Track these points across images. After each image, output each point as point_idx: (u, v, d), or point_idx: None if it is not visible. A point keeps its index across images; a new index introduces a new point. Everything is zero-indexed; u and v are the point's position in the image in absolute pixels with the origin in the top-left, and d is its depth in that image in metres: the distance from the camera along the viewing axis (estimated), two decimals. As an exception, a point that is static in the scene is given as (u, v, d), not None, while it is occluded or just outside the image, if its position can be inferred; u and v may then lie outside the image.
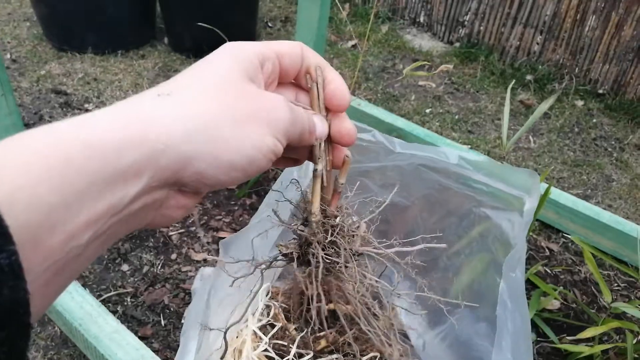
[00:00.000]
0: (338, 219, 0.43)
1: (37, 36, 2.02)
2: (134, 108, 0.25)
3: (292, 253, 0.43)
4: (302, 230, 0.41)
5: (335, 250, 0.42)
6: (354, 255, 0.44)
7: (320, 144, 0.35)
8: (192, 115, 0.25)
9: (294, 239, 0.43)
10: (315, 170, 0.38)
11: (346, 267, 0.44)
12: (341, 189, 0.40)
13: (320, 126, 0.34)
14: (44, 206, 0.20)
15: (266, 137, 0.28)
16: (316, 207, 0.40)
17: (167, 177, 0.25)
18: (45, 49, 1.96)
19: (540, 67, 2.07)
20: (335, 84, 0.35)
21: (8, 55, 1.89)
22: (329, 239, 0.42)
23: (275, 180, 1.23)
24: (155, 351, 0.93)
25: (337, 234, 0.42)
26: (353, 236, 0.46)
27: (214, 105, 0.26)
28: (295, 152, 0.36)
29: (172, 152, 0.24)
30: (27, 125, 1.53)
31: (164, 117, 0.25)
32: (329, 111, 0.36)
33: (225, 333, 0.42)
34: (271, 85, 0.33)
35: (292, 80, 0.35)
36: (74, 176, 0.21)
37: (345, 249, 0.42)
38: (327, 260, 0.41)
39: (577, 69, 2.02)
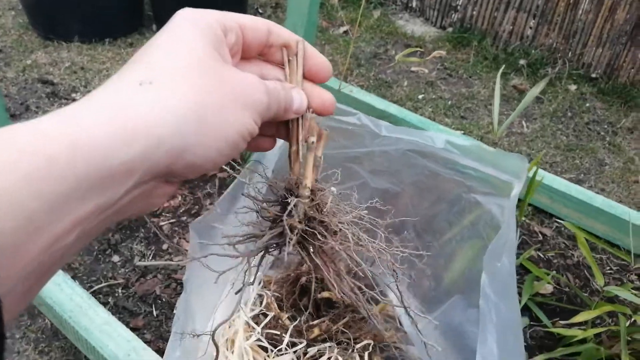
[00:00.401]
0: (325, 192, 0.42)
1: (23, 25, 1.99)
2: (118, 101, 0.24)
3: (281, 235, 0.41)
4: (293, 207, 0.39)
5: (325, 226, 0.41)
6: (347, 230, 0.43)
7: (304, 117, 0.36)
8: (180, 106, 0.25)
9: (276, 219, 0.41)
10: (312, 143, 0.37)
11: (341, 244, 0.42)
12: (319, 162, 0.39)
13: (299, 100, 0.34)
14: (25, 211, 0.19)
15: (246, 120, 0.28)
16: (310, 180, 0.39)
17: (159, 171, 0.24)
18: (31, 38, 1.92)
19: (533, 51, 2.05)
20: (318, 57, 0.35)
21: (-7, 45, 1.86)
22: (319, 215, 0.40)
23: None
24: (147, 342, 0.92)
25: (325, 209, 0.41)
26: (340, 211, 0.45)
27: (197, 92, 0.25)
28: (269, 129, 0.36)
29: (163, 146, 0.24)
30: (13, 117, 1.51)
31: (152, 110, 0.24)
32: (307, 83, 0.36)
33: (212, 335, 0.41)
34: (235, 57, 0.31)
35: (257, 56, 0.35)
36: (58, 179, 0.20)
37: (337, 225, 0.40)
38: (322, 239, 0.39)
39: (570, 53, 2.01)
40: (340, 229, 0.39)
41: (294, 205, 0.37)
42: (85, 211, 0.21)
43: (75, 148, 0.21)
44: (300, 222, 0.38)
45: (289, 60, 0.35)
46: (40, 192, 0.20)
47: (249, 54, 0.33)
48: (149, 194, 0.26)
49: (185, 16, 0.29)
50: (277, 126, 0.36)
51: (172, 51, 0.27)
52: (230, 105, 0.27)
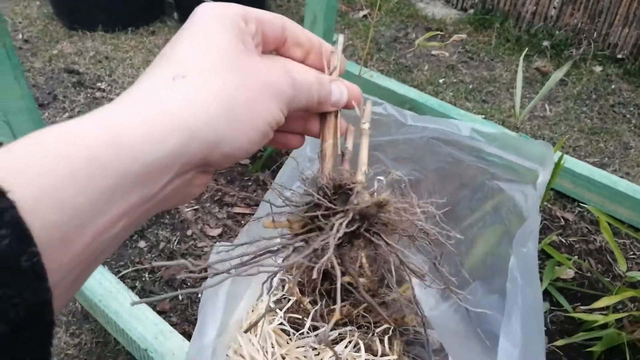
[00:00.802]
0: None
1: (48, 15, 2.02)
2: (152, 97, 0.25)
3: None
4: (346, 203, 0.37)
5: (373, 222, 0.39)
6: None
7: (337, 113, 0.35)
8: (212, 100, 0.25)
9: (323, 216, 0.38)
10: (364, 128, 0.37)
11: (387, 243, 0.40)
12: (350, 155, 0.39)
13: (338, 94, 0.34)
14: (71, 207, 0.20)
15: (273, 109, 0.29)
16: (366, 167, 0.38)
17: (196, 162, 0.25)
18: (56, 28, 1.96)
19: (557, 32, 2.01)
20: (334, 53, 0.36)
21: (20, 36, 1.90)
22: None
23: (288, 154, 1.24)
24: (174, 325, 0.95)
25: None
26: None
27: (227, 86, 0.26)
28: (298, 125, 0.36)
29: (197, 140, 0.25)
30: (42, 106, 1.55)
31: (185, 104, 0.25)
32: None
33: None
34: (257, 48, 0.32)
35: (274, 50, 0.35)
36: (100, 176, 0.21)
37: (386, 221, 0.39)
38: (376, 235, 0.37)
39: (595, 33, 1.96)
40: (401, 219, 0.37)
41: (357, 193, 0.34)
42: (128, 204, 0.23)
43: (115, 146, 0.22)
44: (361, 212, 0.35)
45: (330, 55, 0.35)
46: (85, 189, 0.21)
47: (266, 47, 0.33)
48: (188, 184, 0.27)
49: (206, 10, 0.29)
50: (306, 123, 0.36)
51: (200, 45, 0.28)
52: (258, 97, 0.28)
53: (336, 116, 0.36)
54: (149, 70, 0.27)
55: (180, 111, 0.24)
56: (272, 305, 0.79)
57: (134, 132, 0.23)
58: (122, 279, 1.05)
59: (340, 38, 0.34)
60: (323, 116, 0.36)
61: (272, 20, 0.33)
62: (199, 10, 0.30)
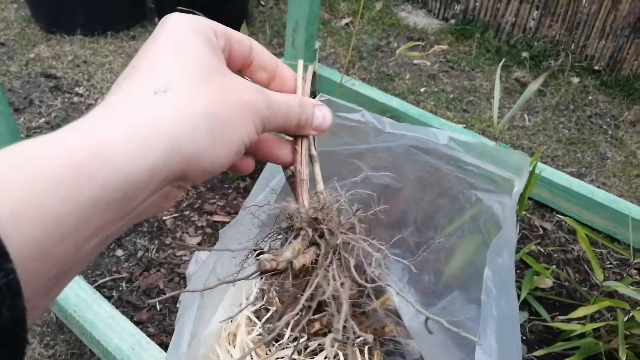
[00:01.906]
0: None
1: (25, 18, 1.99)
2: (136, 110, 0.25)
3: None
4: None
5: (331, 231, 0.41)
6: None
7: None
8: (193, 115, 0.26)
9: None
10: (313, 155, 0.37)
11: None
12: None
13: (321, 118, 0.35)
14: (52, 218, 0.20)
15: (249, 129, 0.29)
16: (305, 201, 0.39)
17: (174, 176, 0.25)
18: (33, 31, 1.93)
19: (536, 43, 2.05)
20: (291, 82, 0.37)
21: (-4, 39, 1.86)
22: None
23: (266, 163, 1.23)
24: (151, 336, 0.94)
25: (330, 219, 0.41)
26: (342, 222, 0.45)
27: (208, 101, 0.27)
28: (263, 148, 0.36)
29: (180, 153, 0.25)
30: (17, 111, 1.52)
31: (169, 119, 0.25)
32: None
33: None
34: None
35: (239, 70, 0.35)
36: (86, 186, 0.21)
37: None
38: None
39: (573, 45, 2.00)
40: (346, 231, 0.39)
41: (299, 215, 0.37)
42: (108, 216, 0.23)
43: (101, 157, 0.22)
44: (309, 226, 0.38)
45: (297, 78, 0.35)
46: (68, 199, 0.21)
47: (231, 66, 0.33)
48: (164, 198, 0.27)
49: (179, 20, 0.29)
50: (271, 147, 0.36)
51: (179, 57, 0.27)
52: (236, 114, 0.28)
53: (308, 139, 0.36)
54: (127, 78, 0.27)
55: (165, 124, 0.24)
56: (250, 315, 0.78)
57: (118, 144, 0.23)
58: (99, 288, 1.03)
59: (309, 69, 0.34)
60: (297, 139, 0.36)
61: (241, 39, 0.33)
62: (172, 20, 0.29)
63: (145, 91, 0.26)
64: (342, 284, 0.37)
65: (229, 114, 0.27)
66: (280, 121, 0.31)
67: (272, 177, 0.73)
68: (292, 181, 0.37)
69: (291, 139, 0.37)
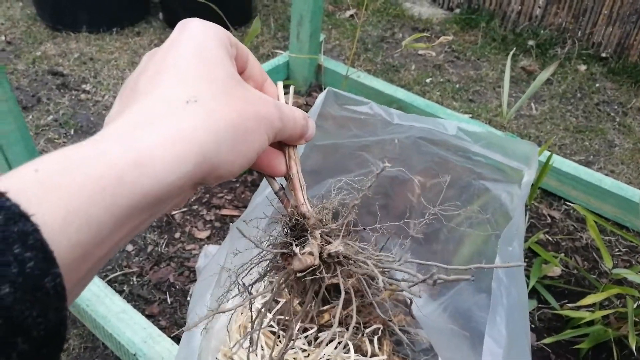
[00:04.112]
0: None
1: (31, 16, 2.00)
2: (170, 120, 0.26)
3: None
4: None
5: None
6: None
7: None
8: (222, 126, 0.27)
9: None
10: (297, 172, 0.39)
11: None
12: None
13: (312, 129, 0.37)
14: (96, 224, 0.22)
15: (263, 140, 0.30)
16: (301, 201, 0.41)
17: (197, 181, 0.27)
18: (39, 29, 1.93)
19: (542, 31, 2.03)
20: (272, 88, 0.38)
21: (2, 37, 1.87)
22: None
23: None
24: (163, 329, 0.95)
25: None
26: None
27: (231, 111, 0.28)
28: (264, 158, 0.37)
29: (206, 162, 0.26)
30: (25, 109, 1.53)
31: (199, 129, 0.26)
32: None
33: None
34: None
35: None
36: (126, 195, 0.23)
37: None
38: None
39: (579, 32, 1.98)
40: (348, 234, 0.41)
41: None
42: (141, 219, 0.24)
43: (141, 167, 0.23)
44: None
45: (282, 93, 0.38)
46: (110, 207, 0.22)
47: None
48: (182, 198, 0.29)
49: (200, 28, 0.30)
50: (269, 158, 0.37)
51: (205, 64, 0.29)
52: (253, 126, 0.29)
53: (296, 148, 0.38)
54: (153, 80, 0.28)
55: (196, 137, 0.26)
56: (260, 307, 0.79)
57: (156, 154, 0.24)
58: (110, 283, 1.04)
59: (291, 89, 0.36)
60: (289, 148, 0.38)
61: (242, 50, 0.34)
62: (193, 25, 0.30)
63: (177, 100, 0.27)
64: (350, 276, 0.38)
65: (247, 126, 0.29)
66: (287, 133, 0.33)
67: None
68: (282, 193, 0.39)
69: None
